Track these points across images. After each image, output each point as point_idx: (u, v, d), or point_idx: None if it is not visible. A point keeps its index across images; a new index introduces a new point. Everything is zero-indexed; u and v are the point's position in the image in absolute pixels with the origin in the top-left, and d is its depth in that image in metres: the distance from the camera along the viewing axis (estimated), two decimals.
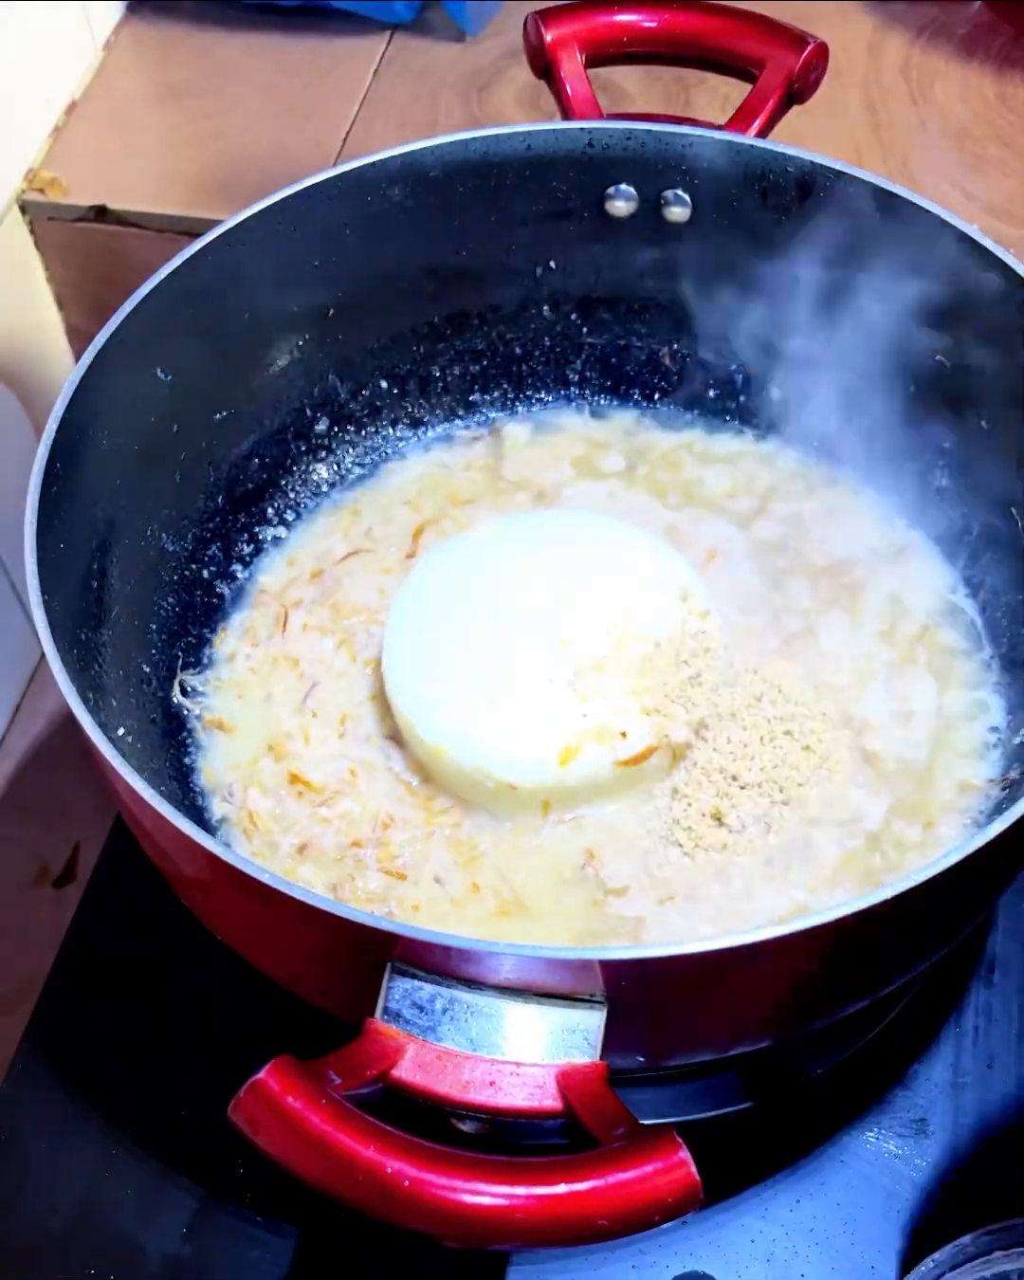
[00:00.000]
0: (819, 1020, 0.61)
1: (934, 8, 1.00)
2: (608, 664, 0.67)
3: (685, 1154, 0.46)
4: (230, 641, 0.76)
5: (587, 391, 0.84)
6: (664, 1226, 0.46)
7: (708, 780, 0.68)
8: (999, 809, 0.67)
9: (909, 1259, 0.65)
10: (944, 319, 0.71)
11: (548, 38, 0.74)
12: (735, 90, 0.75)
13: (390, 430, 0.82)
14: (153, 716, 0.71)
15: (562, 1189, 0.45)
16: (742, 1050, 0.60)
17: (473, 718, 0.66)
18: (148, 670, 0.71)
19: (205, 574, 0.76)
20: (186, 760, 0.72)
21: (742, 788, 0.68)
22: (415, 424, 0.83)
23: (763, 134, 0.73)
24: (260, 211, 0.70)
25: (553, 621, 0.68)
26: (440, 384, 0.82)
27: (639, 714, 0.66)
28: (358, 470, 0.82)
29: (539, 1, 0.77)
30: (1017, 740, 0.70)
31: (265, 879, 0.50)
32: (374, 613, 0.75)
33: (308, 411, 0.79)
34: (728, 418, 0.82)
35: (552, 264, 0.79)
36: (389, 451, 0.82)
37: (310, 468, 0.81)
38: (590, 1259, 0.67)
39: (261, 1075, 0.47)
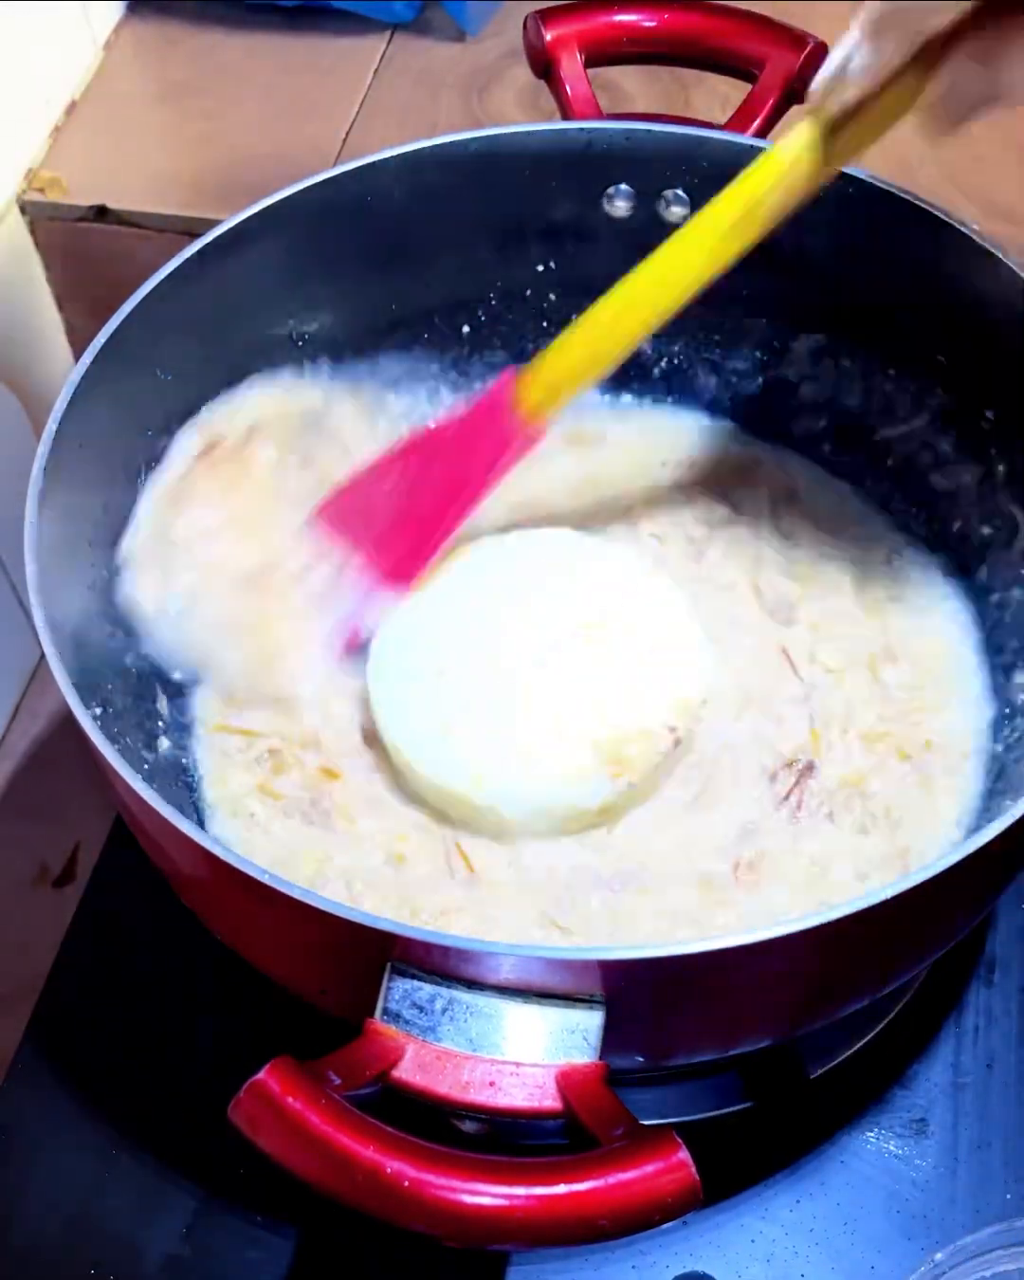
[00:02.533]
0: (819, 1020, 0.61)
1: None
2: (599, 681, 0.66)
3: (685, 1154, 0.46)
4: None
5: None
6: (664, 1226, 0.46)
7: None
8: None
9: (909, 1259, 0.65)
10: (944, 319, 0.71)
11: (548, 38, 0.74)
12: (735, 90, 0.75)
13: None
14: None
15: (562, 1189, 0.45)
16: (742, 1050, 0.60)
17: (468, 749, 0.65)
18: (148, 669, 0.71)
19: None
20: (186, 760, 0.71)
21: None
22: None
23: (762, 134, 0.73)
24: (260, 211, 0.70)
25: (542, 642, 0.68)
26: (439, 384, 0.82)
27: (632, 736, 0.66)
28: None
29: (539, 1, 0.77)
30: (997, 748, 0.70)
31: (265, 879, 0.50)
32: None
33: None
34: (728, 418, 0.82)
35: (552, 264, 0.79)
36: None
37: None
38: (590, 1259, 0.67)
39: (261, 1075, 0.47)
